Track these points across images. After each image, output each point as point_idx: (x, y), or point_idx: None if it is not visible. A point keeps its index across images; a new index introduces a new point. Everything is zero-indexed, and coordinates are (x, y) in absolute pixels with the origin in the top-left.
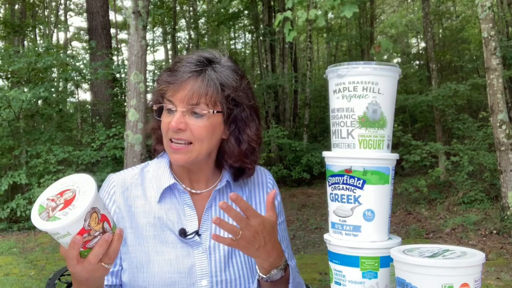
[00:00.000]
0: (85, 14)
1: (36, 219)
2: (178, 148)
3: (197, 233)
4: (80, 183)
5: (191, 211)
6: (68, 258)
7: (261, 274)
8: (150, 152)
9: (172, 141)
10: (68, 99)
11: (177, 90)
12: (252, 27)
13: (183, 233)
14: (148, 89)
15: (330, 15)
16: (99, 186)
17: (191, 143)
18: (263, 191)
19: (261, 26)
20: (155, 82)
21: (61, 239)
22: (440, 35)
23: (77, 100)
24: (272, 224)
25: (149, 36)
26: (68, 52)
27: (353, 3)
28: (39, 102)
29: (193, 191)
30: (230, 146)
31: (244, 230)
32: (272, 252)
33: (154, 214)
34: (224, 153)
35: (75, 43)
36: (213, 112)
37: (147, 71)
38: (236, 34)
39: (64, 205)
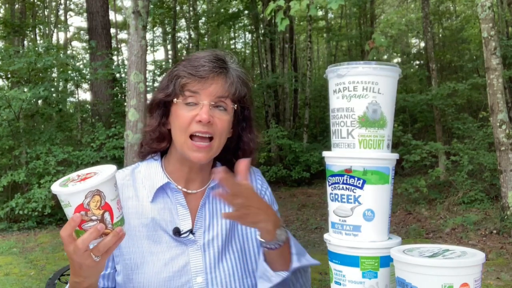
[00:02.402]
0: (85, 14)
1: (55, 184)
2: (200, 146)
3: (191, 232)
4: (105, 170)
5: (184, 210)
6: (65, 236)
7: (268, 242)
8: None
9: (194, 137)
10: (68, 99)
11: (205, 84)
12: (252, 27)
13: (177, 232)
14: (148, 89)
15: (330, 15)
16: None
17: (211, 138)
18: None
19: (261, 26)
20: (170, 75)
21: (65, 209)
22: (440, 35)
23: (77, 100)
24: (247, 186)
25: (149, 36)
26: (68, 52)
27: None
28: (39, 102)
29: (187, 191)
30: (246, 143)
31: (238, 206)
32: (268, 210)
33: (146, 214)
34: (240, 150)
35: (75, 43)
36: (236, 107)
37: (147, 71)
38: (236, 34)
39: (80, 180)
